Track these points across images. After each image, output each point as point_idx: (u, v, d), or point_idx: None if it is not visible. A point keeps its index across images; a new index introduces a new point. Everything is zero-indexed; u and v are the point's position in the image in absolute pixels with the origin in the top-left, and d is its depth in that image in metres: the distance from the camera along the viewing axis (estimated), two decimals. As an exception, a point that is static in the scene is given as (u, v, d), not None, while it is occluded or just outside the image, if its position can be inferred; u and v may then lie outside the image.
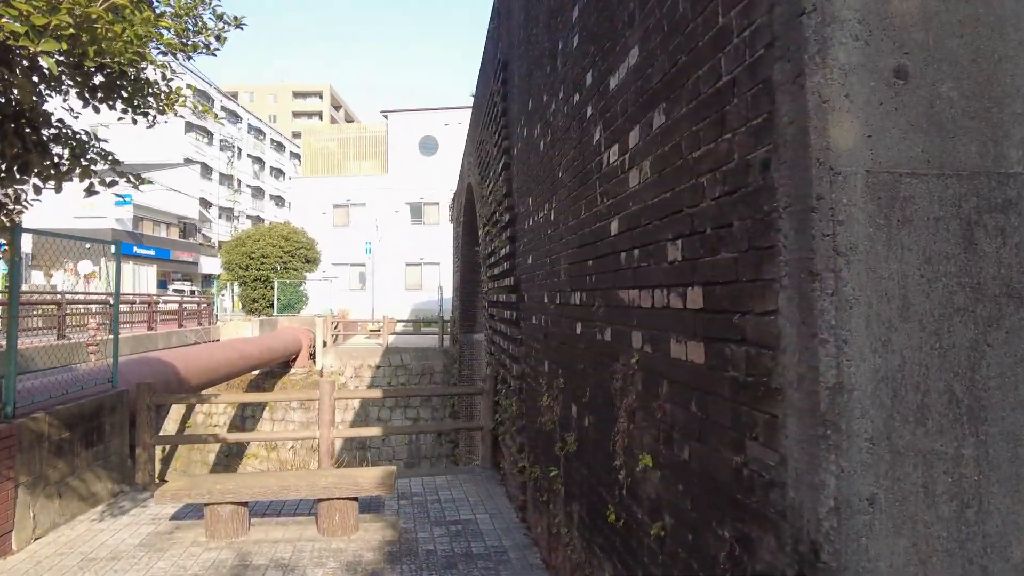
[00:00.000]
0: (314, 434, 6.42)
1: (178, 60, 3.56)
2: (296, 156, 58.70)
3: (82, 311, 14.15)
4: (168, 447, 16.62)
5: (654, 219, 2.11)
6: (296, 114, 70.76)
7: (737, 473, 1.56)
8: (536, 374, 4.48)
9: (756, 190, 1.47)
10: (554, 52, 3.83)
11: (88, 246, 6.38)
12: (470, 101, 28.73)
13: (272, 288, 23.90)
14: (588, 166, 2.97)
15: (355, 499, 4.75)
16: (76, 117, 3.60)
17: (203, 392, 11.59)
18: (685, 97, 1.87)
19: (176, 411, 17.63)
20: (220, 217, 47.03)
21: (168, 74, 3.38)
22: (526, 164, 4.88)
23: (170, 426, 17.28)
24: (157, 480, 6.33)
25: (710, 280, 1.70)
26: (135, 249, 31.78)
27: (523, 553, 4.38)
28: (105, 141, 3.36)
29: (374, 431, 7.07)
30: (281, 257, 24.01)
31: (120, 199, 28.99)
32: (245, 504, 4.68)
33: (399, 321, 23.64)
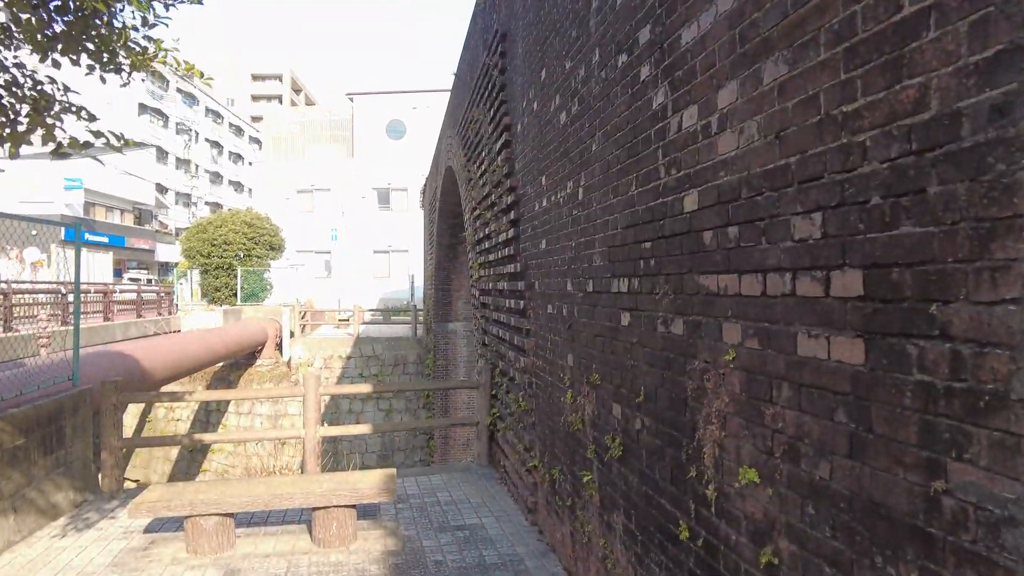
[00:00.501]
0: (299, 434, 5.96)
1: (153, 10, 3.05)
2: (255, 141, 56.79)
3: (30, 301, 13.22)
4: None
5: (765, 190, 1.77)
6: (255, 97, 68.35)
7: (931, 502, 1.25)
8: (554, 368, 4.13)
9: (978, 145, 1.14)
10: (583, 13, 3.45)
11: (35, 232, 5.73)
12: (438, 84, 28.03)
13: (235, 276, 22.95)
14: (644, 134, 2.62)
15: (353, 506, 4.35)
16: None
17: (174, 389, 10.93)
18: (827, 40, 1.53)
19: (135, 405, 16.73)
20: (177, 203, 45.11)
21: (151, 19, 2.85)
22: (538, 141, 4.49)
23: (129, 420, 16.39)
24: (126, 483, 5.79)
25: (878, 261, 1.37)
26: (87, 236, 30.17)
27: (541, 562, 4.05)
28: (76, 93, 2.79)
29: (363, 428, 6.63)
30: (244, 244, 23.05)
31: (70, 183, 27.31)
32: (231, 515, 4.23)
33: (368, 310, 22.98)
